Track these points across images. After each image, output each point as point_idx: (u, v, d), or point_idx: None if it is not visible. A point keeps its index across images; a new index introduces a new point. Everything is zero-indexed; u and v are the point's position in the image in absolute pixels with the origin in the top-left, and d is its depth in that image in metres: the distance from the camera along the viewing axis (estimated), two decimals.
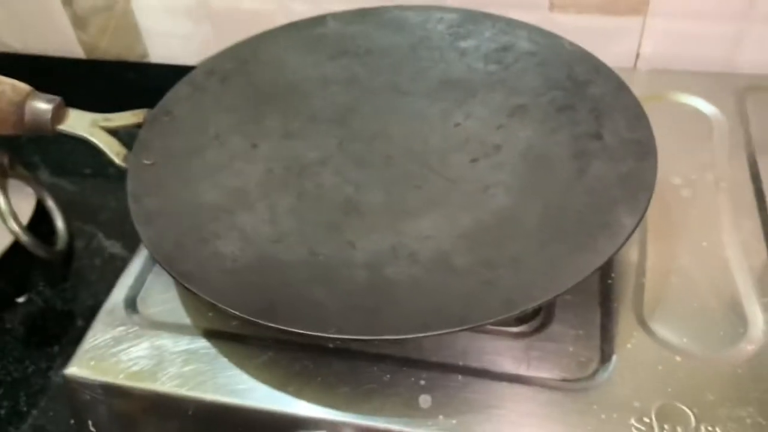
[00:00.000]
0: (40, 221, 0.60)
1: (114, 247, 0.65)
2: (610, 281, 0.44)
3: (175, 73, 0.54)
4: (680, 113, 0.55)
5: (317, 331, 0.34)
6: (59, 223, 0.60)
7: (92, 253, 0.65)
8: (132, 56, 0.72)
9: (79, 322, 0.58)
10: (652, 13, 0.57)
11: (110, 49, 0.71)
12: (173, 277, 0.38)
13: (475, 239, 0.42)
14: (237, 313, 0.35)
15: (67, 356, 0.42)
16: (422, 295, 0.38)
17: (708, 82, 0.56)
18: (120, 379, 0.40)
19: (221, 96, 0.52)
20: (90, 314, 0.45)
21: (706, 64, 0.57)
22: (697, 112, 0.55)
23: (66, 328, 0.57)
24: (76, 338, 0.43)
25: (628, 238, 0.38)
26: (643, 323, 0.41)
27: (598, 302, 0.42)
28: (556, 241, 0.40)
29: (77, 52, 0.73)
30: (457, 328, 0.34)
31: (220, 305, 0.36)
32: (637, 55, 0.60)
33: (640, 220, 0.39)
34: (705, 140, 0.52)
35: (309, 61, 0.55)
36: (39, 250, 0.50)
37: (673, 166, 0.50)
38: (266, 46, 0.55)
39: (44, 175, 0.71)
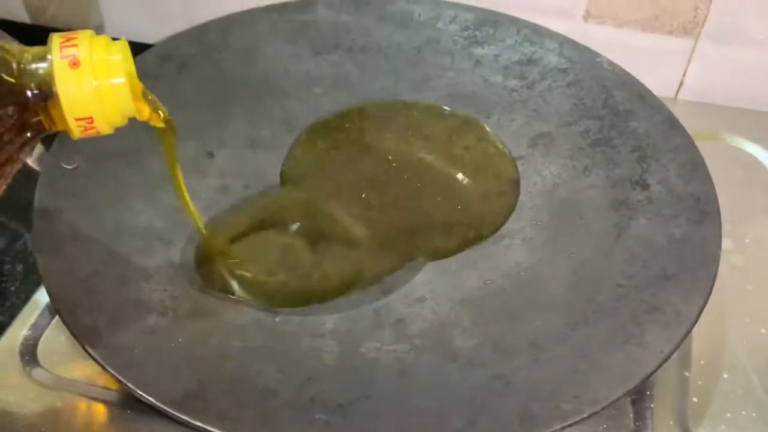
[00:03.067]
0: None
1: None
2: None
3: (136, 52, 0.43)
4: (730, 159, 0.46)
5: None
6: None
7: (14, 257, 0.55)
8: (85, 26, 0.61)
9: None
10: (707, 36, 0.48)
11: (59, 15, 0.61)
12: (72, 334, 0.28)
13: (482, 308, 0.33)
14: (147, 397, 0.25)
15: None
16: (411, 390, 0.28)
17: (767, 124, 0.47)
18: None
19: (176, 87, 0.42)
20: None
21: (764, 104, 0.48)
22: (751, 160, 0.46)
23: None
24: None
25: (687, 333, 0.29)
26: None
27: (629, 400, 0.33)
28: (589, 324, 0.31)
29: (21, 15, 0.62)
30: None
31: (126, 383, 0.26)
32: (680, 84, 0.51)
33: (703, 307, 0.30)
34: (761, 195, 0.43)
35: (290, 54, 0.45)
36: None
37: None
38: (239, 31, 0.45)
39: None
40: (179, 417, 0.25)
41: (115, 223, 0.34)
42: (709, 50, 0.49)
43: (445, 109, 0.43)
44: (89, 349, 0.27)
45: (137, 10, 0.59)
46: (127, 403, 0.32)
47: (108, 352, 0.27)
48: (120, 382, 0.26)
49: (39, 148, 0.37)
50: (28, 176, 0.61)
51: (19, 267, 0.54)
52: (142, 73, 0.41)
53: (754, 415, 0.33)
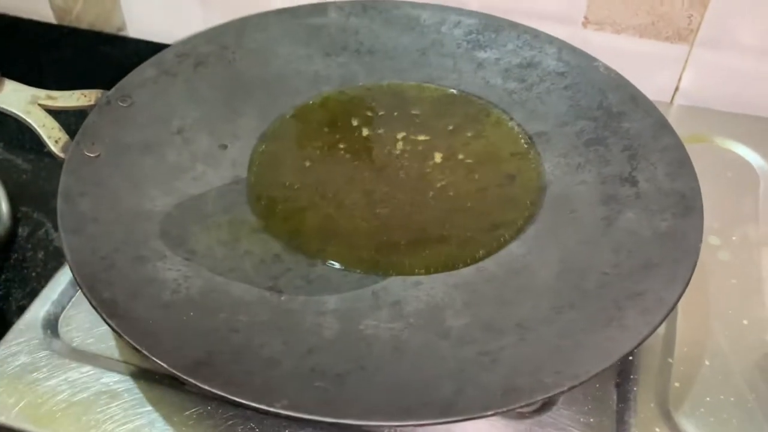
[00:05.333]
0: None
1: None
2: (630, 357, 0.36)
3: (156, 51, 0.46)
4: (721, 161, 0.47)
5: (260, 402, 0.27)
6: (2, 206, 0.54)
7: (36, 244, 0.57)
8: (107, 27, 0.63)
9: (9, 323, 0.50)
10: (701, 42, 0.49)
11: (84, 16, 0.63)
12: (92, 305, 0.30)
13: (474, 292, 0.34)
14: (160, 362, 0.28)
15: None
16: (404, 363, 0.30)
17: (757, 128, 0.49)
18: (19, 420, 0.33)
19: (192, 84, 0.44)
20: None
21: (755, 108, 0.50)
22: (741, 162, 0.47)
23: None
24: None
25: (665, 317, 0.31)
26: (667, 417, 0.34)
27: (614, 383, 0.35)
28: (574, 308, 0.33)
29: (47, 15, 0.64)
30: (442, 420, 0.26)
31: (141, 349, 0.28)
32: (676, 89, 0.52)
33: (682, 294, 0.32)
34: (749, 195, 0.45)
35: (301, 54, 0.47)
36: None
37: (710, 224, 0.42)
38: (253, 32, 0.47)
39: None
40: (190, 382, 0.28)
41: (132, 207, 0.37)
42: (703, 56, 0.50)
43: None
44: (108, 320, 0.30)
45: (157, 12, 0.61)
46: (140, 375, 0.35)
47: (125, 323, 0.30)
48: (135, 349, 0.29)
49: (64, 138, 0.39)
50: (49, 170, 0.64)
51: (41, 254, 0.56)
52: (160, 69, 0.44)
53: (732, 399, 0.35)
